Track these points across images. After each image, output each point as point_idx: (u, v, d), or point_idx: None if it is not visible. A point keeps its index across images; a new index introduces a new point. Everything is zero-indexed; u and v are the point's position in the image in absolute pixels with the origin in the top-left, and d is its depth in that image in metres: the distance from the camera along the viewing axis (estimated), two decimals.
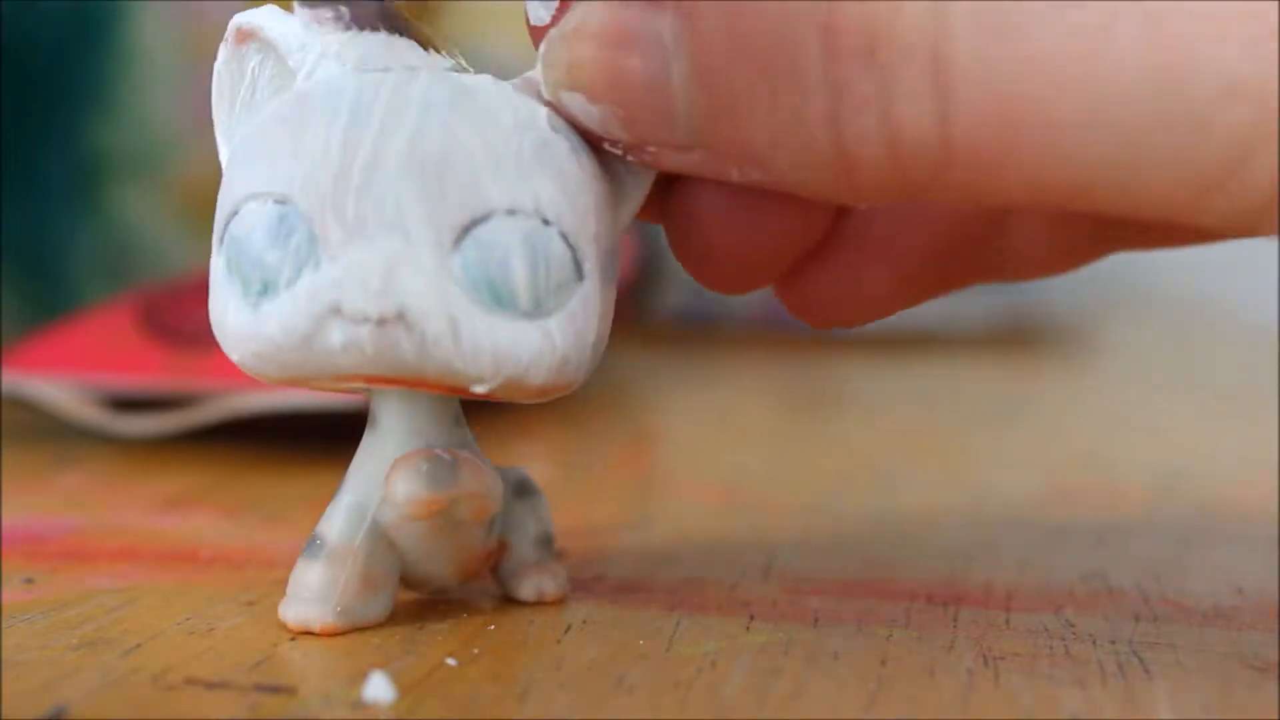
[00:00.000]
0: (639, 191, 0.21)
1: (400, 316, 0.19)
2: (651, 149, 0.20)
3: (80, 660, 0.20)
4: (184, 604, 0.23)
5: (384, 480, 0.21)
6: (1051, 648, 0.21)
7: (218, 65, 0.21)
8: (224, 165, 0.20)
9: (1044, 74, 0.17)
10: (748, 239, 0.21)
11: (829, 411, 0.45)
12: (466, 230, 0.19)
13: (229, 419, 0.33)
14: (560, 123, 0.20)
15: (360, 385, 0.20)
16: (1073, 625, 0.22)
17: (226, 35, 0.21)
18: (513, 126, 0.20)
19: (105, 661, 0.20)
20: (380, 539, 0.21)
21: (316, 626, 0.21)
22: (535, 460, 0.34)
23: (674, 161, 0.20)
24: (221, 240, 0.20)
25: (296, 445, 0.33)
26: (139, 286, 0.42)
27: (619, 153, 0.20)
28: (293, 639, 0.21)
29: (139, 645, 0.21)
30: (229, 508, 0.29)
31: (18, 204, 0.48)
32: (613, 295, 0.21)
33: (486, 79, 0.20)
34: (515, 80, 0.20)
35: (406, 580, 0.22)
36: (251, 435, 0.34)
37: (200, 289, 0.38)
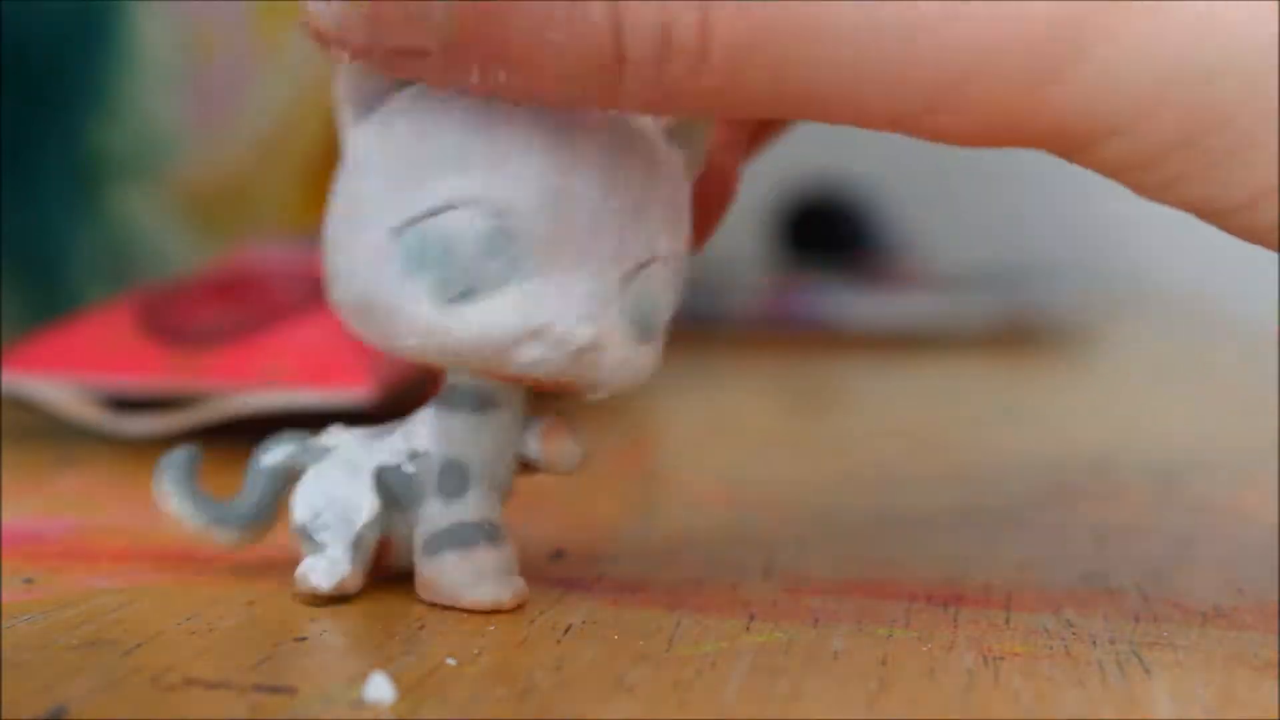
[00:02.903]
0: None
1: (594, 346, 0.21)
2: (381, 54, 0.20)
3: (80, 660, 0.20)
4: (184, 604, 0.23)
5: (541, 447, 0.22)
6: (1051, 648, 0.21)
7: None
8: (371, 147, 0.21)
9: None
10: None
11: (829, 411, 0.45)
12: (638, 270, 0.21)
13: (229, 419, 0.33)
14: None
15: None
16: (1073, 625, 0.22)
17: None
18: (676, 178, 0.22)
19: (105, 661, 0.20)
20: None
21: (510, 602, 0.22)
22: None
23: (399, 67, 0.20)
24: (403, 232, 0.21)
25: None
26: (139, 286, 0.42)
27: (340, 58, 0.20)
28: (295, 639, 0.21)
29: (139, 645, 0.21)
30: None
31: (18, 204, 0.48)
32: None
33: (645, 122, 0.22)
34: (643, 124, 0.22)
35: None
36: (251, 435, 0.34)
37: (200, 289, 0.38)
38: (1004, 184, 0.78)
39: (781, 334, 0.61)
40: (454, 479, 0.22)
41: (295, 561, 0.24)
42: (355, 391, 0.32)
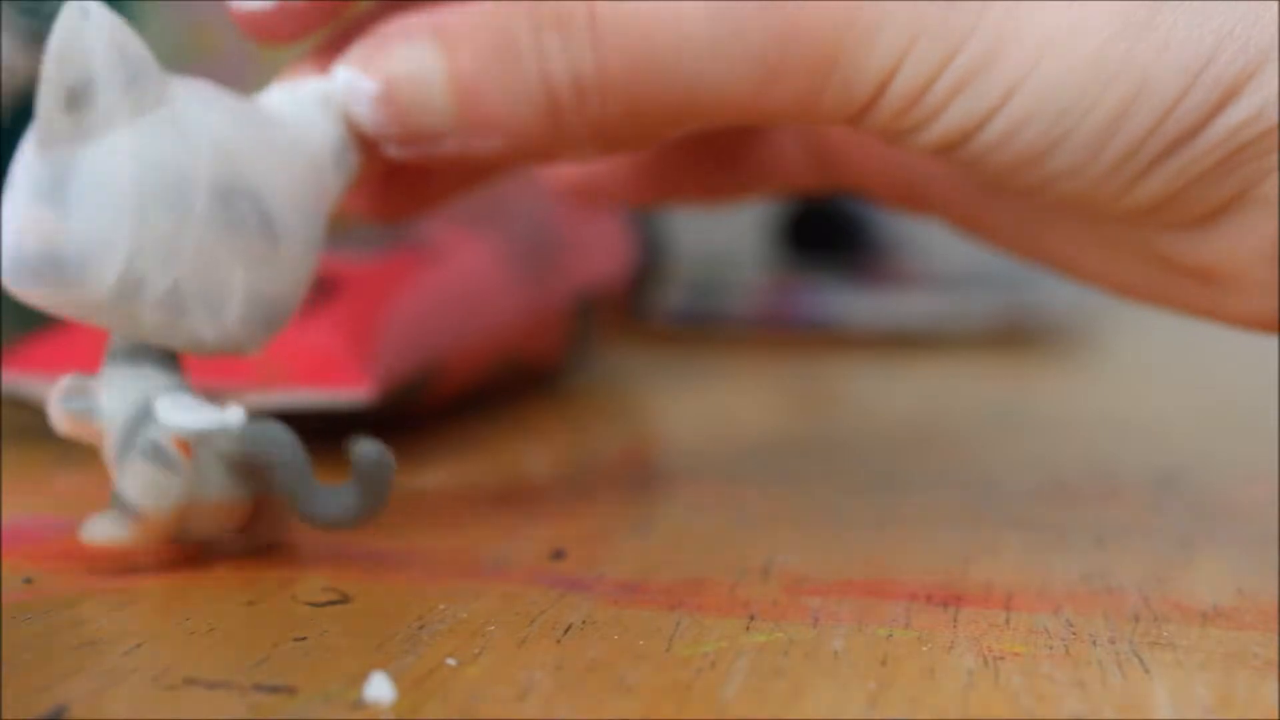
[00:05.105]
0: None
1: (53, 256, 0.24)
2: (420, 142, 0.25)
3: (80, 660, 0.20)
4: (184, 604, 0.23)
5: None
6: (1051, 648, 0.21)
7: None
8: None
9: (657, 15, 0.23)
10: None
11: (829, 411, 0.45)
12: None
13: None
14: None
15: None
16: (1073, 625, 0.22)
17: None
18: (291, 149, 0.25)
19: (105, 661, 0.20)
20: None
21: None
22: (535, 460, 0.34)
23: (437, 150, 0.25)
24: None
25: None
26: None
27: (398, 153, 0.25)
28: (295, 639, 0.21)
29: (139, 645, 0.21)
30: None
31: None
32: None
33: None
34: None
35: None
36: None
37: None
38: None
39: (781, 334, 0.61)
40: None
41: (295, 563, 0.24)
42: (355, 391, 0.32)
